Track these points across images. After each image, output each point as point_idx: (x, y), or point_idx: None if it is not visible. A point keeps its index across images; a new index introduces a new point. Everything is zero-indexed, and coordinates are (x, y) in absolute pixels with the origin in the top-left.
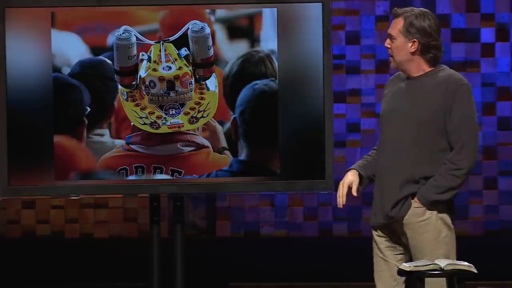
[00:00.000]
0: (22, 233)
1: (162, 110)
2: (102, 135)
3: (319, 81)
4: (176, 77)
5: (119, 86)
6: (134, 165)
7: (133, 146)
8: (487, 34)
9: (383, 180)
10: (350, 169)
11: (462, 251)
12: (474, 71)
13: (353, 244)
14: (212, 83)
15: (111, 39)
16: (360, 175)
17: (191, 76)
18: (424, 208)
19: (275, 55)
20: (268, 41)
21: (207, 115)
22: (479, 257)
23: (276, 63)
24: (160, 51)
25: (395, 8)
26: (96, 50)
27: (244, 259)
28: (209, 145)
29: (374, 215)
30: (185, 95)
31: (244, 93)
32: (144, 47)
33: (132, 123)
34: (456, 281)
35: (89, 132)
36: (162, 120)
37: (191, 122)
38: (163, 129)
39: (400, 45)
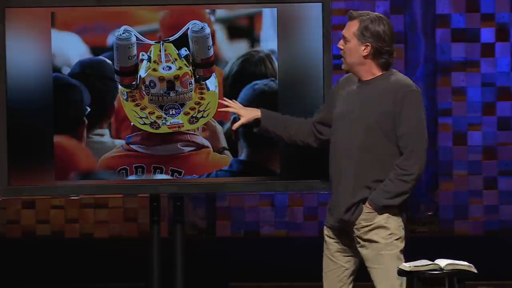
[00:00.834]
0: (22, 233)
1: (162, 110)
2: (102, 135)
3: (319, 81)
4: (176, 77)
5: (119, 86)
6: (134, 165)
7: (133, 146)
8: (487, 34)
9: (338, 185)
10: (260, 109)
11: (462, 251)
12: (474, 71)
13: None
14: (212, 83)
15: (111, 39)
16: (258, 120)
17: (191, 76)
18: (375, 212)
19: (275, 55)
20: (268, 41)
21: (207, 115)
22: (479, 257)
23: (276, 63)
24: (160, 51)
25: (351, 11)
26: (96, 50)
27: (244, 259)
28: (209, 145)
29: (330, 216)
30: (185, 95)
31: (244, 93)
32: (144, 47)
33: (132, 123)
34: (456, 281)
35: (89, 132)
36: (162, 120)
37: (191, 122)
38: (163, 129)
39: (353, 47)
